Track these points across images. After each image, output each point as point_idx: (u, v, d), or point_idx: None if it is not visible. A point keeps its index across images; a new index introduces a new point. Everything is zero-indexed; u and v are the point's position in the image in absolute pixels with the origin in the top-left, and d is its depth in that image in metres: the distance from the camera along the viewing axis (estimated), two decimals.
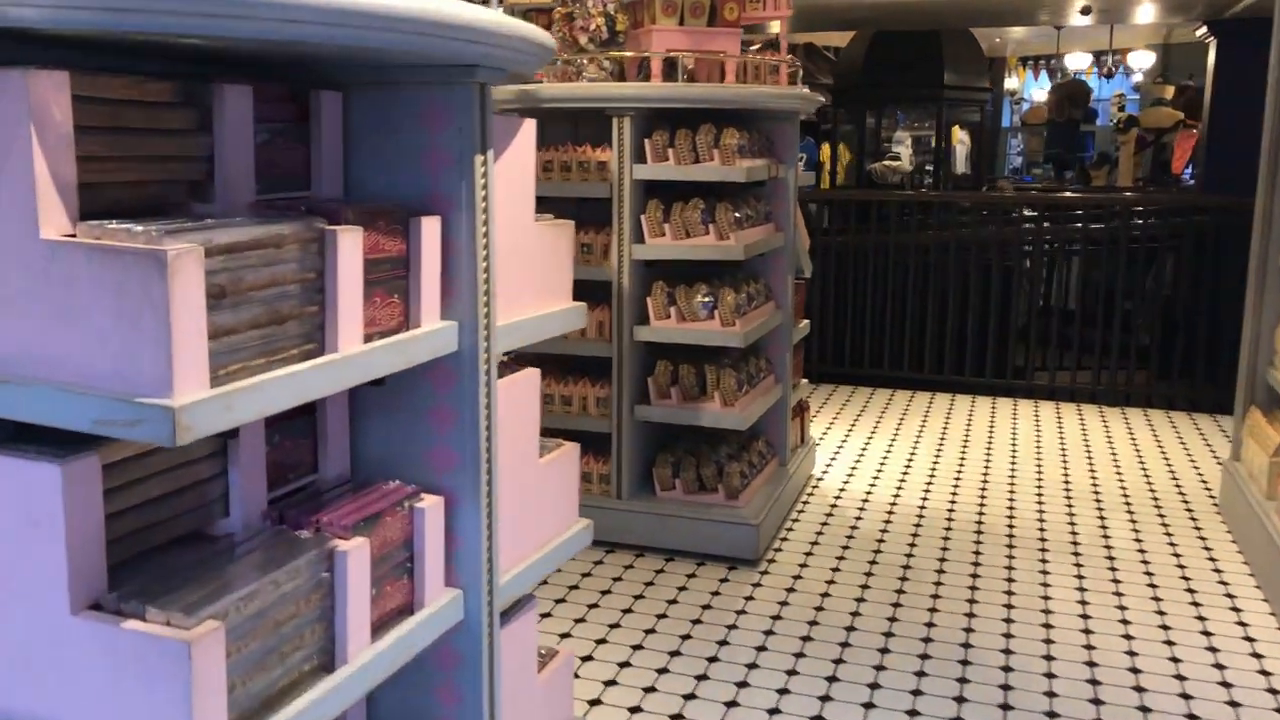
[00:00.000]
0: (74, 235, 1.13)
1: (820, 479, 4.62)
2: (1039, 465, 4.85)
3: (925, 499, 4.35)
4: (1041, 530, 4.00)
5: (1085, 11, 7.72)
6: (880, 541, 3.87)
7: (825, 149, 11.05)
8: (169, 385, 1.07)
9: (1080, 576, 3.56)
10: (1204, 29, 7.86)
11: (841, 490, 4.46)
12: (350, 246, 1.35)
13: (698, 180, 3.59)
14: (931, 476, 4.67)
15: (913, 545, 3.83)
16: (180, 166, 1.34)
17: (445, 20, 1.33)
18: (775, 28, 4.97)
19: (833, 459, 4.93)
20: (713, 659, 2.96)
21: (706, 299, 3.61)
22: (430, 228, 1.52)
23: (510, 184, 1.73)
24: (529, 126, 1.78)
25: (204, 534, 1.41)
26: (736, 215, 3.59)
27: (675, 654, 2.99)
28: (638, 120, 3.58)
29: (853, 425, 5.54)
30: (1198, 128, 12.19)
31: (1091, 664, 2.96)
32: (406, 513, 1.56)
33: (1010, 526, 4.04)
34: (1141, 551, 3.79)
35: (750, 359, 3.90)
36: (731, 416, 3.60)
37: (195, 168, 1.36)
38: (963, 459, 4.94)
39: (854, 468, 4.79)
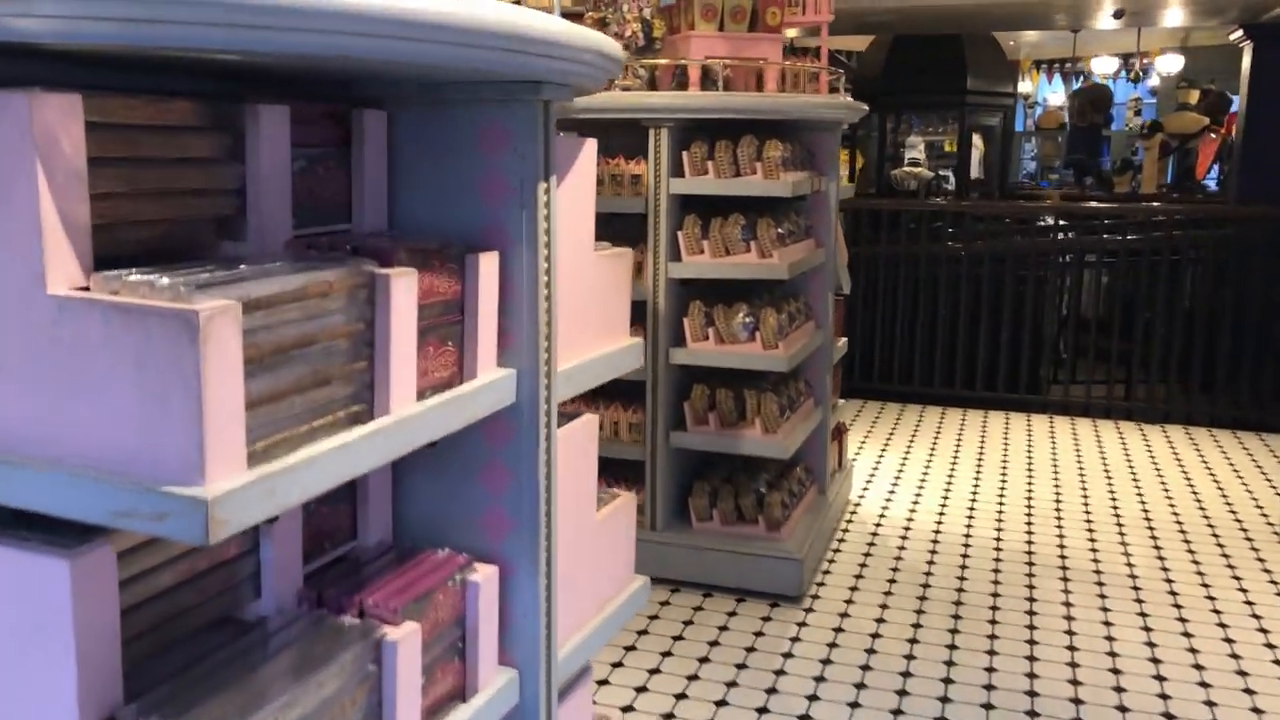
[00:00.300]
0: (87, 289, 0.95)
1: (858, 504, 4.44)
2: (1084, 489, 4.66)
3: (970, 526, 4.16)
4: (1096, 561, 3.81)
5: (1118, 15, 7.54)
6: (928, 574, 3.68)
7: (841, 153, 10.87)
8: (200, 471, 0.90)
9: (1144, 614, 3.36)
10: (1239, 32, 7.67)
11: (881, 516, 4.28)
12: (404, 292, 1.17)
13: (738, 195, 3.40)
14: (973, 500, 4.48)
15: (963, 578, 3.65)
16: (209, 201, 1.16)
17: (517, 32, 1.15)
18: (791, 34, 4.81)
19: (869, 482, 4.74)
20: (763, 710, 2.77)
21: (747, 320, 3.43)
22: (488, 266, 1.34)
23: (572, 211, 1.55)
24: (590, 147, 1.60)
25: (233, 619, 1.24)
26: (779, 231, 3.41)
27: (722, 703, 2.81)
28: (675, 131, 3.40)
29: (886, 444, 5.35)
30: (1219, 132, 12.02)
31: (1168, 715, 2.77)
32: (459, 587, 1.38)
33: (1062, 557, 3.85)
34: (1205, 585, 3.60)
35: (790, 382, 3.72)
36: (773, 445, 3.42)
37: (226, 202, 1.18)
38: (1004, 481, 4.75)
39: (892, 491, 4.60)
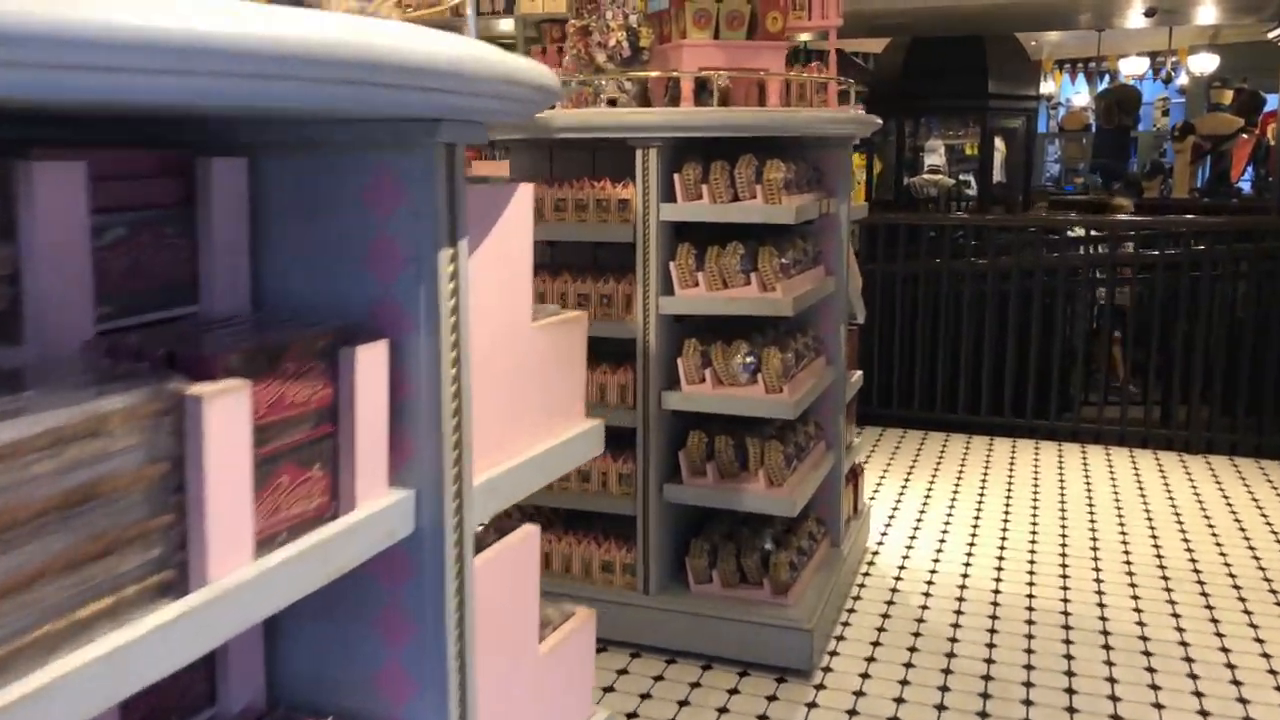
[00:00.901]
0: None
1: (876, 551, 4.11)
2: (1123, 533, 4.31)
3: (999, 580, 3.83)
4: (1140, 624, 3.47)
5: (1150, 14, 7.19)
6: (953, 640, 3.35)
7: (858, 158, 10.55)
8: None
9: (1199, 693, 3.03)
10: (1279, 30, 7.30)
11: (901, 568, 3.95)
12: (226, 417, 0.87)
13: (737, 221, 3.09)
14: (1002, 547, 4.14)
15: (992, 644, 3.31)
16: None
17: (386, 61, 0.84)
18: (804, 36, 4.49)
19: (888, 524, 4.41)
20: None
21: (748, 360, 3.12)
22: (371, 361, 1.04)
23: (498, 277, 1.25)
24: (524, 195, 1.29)
25: None
26: (783, 261, 3.10)
27: None
28: (665, 151, 3.10)
29: (906, 480, 5.02)
30: (1252, 133, 11.62)
31: None
32: None
33: (1103, 619, 3.51)
34: (1266, 656, 3.26)
35: (798, 425, 3.40)
36: (779, 500, 3.10)
37: None
38: (1035, 523, 4.41)
39: (913, 536, 4.27)
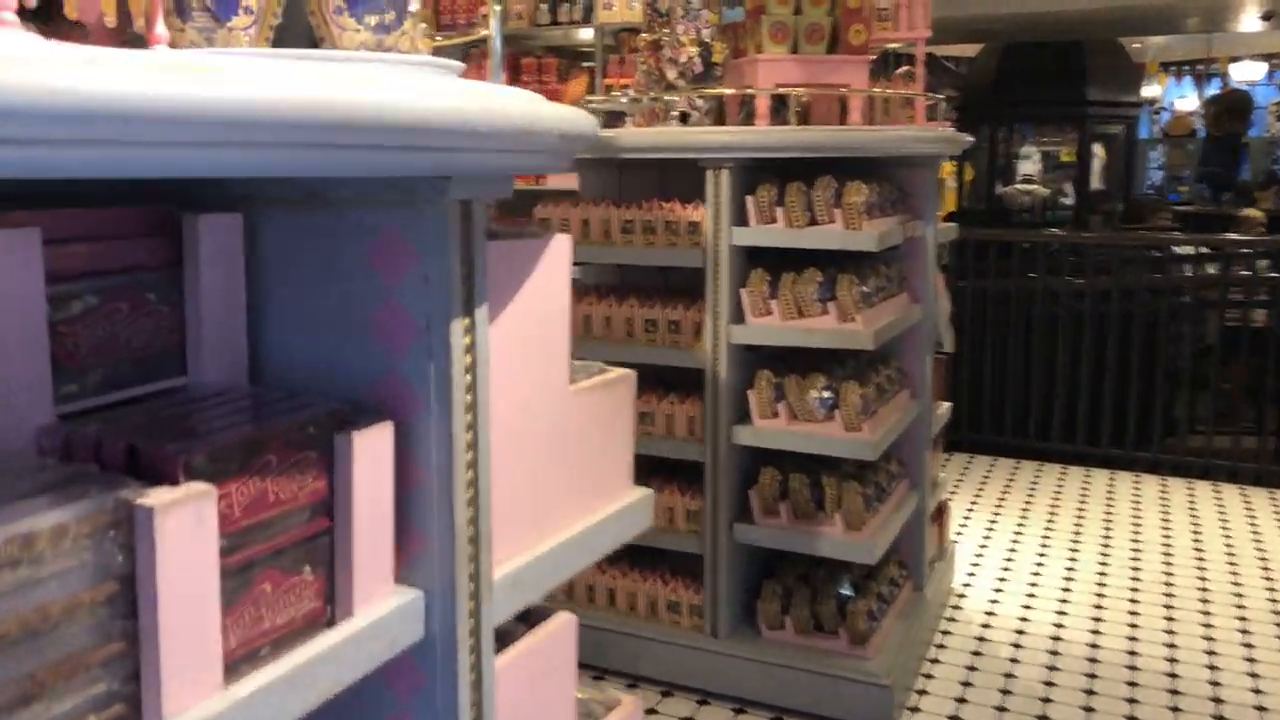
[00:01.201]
0: None
1: (962, 595, 3.89)
2: (1236, 584, 4.01)
3: (1097, 632, 3.58)
4: (1258, 693, 3.19)
5: (1267, 17, 6.80)
6: (1045, 700, 3.12)
7: (947, 165, 10.23)
8: None
9: None
10: None
11: (990, 615, 3.72)
12: (186, 529, 0.75)
13: (814, 248, 2.93)
14: (1100, 594, 3.88)
15: (1089, 708, 3.08)
16: None
17: (373, 121, 0.72)
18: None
19: (975, 564, 4.18)
20: None
21: (825, 394, 2.94)
22: (371, 447, 0.92)
23: (528, 340, 1.12)
24: (559, 249, 1.16)
25: None
26: (864, 289, 2.92)
27: None
28: (738, 172, 2.95)
29: (996, 514, 4.77)
30: None
31: None
32: None
33: (1214, 683, 3.24)
34: None
35: (879, 463, 3.21)
36: (858, 545, 2.92)
37: None
38: (1136, 568, 4.14)
39: (1002, 579, 4.04)
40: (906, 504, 3.29)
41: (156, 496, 0.74)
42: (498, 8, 1.01)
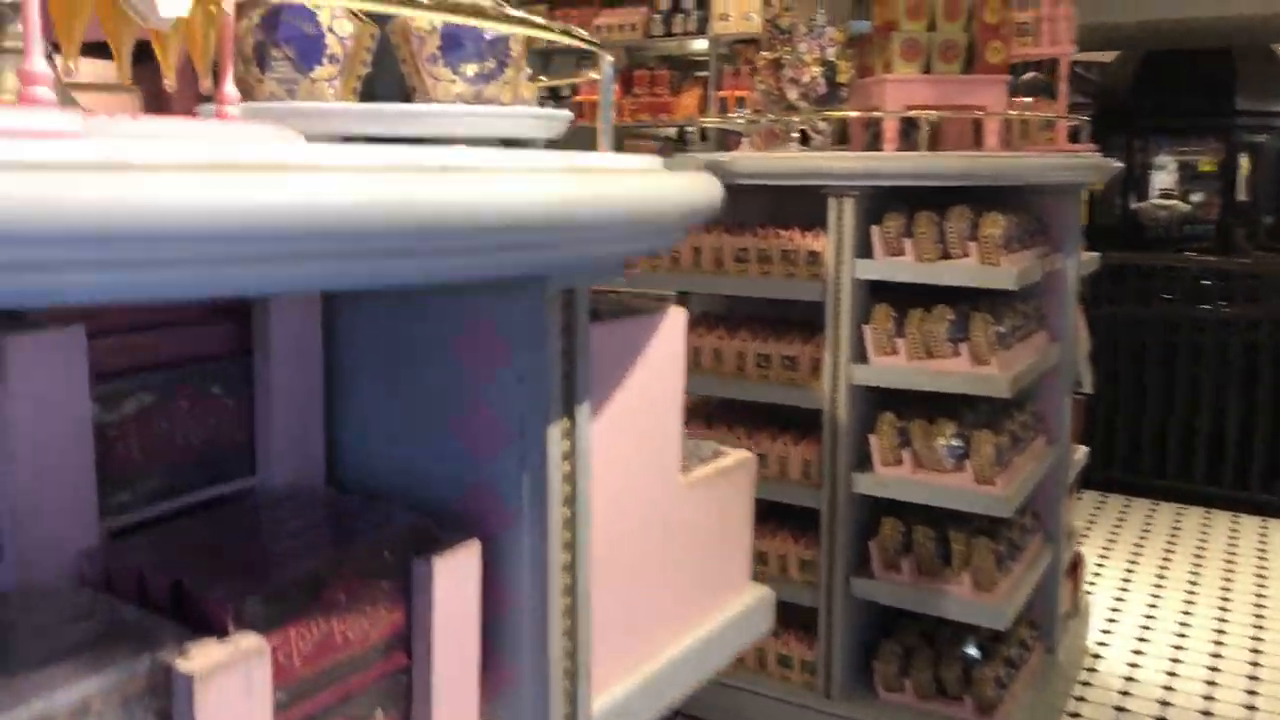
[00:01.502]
0: None
1: (1098, 655, 3.62)
2: None
3: (1253, 706, 3.28)
4: None
5: None
6: None
7: None
8: None
9: None
10: None
11: (1129, 680, 3.45)
12: (233, 694, 0.64)
13: (946, 284, 2.74)
14: (1256, 663, 3.57)
15: None
16: None
17: (482, 225, 0.60)
18: None
19: (1112, 619, 3.90)
20: None
21: (955, 442, 2.75)
22: (454, 573, 0.80)
23: (635, 432, 0.99)
24: (673, 324, 1.03)
25: None
26: (999, 329, 2.72)
27: None
28: (864, 201, 2.78)
29: (1134, 562, 4.46)
30: None
31: None
32: None
33: None
34: None
35: (1013, 517, 2.99)
36: (988, 608, 2.72)
37: None
38: None
39: (1143, 637, 3.75)
40: (1040, 560, 3.06)
41: (199, 658, 0.63)
42: (610, 59, 0.89)
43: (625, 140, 7.13)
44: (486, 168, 0.61)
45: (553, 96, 7.60)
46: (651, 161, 0.84)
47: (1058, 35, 3.15)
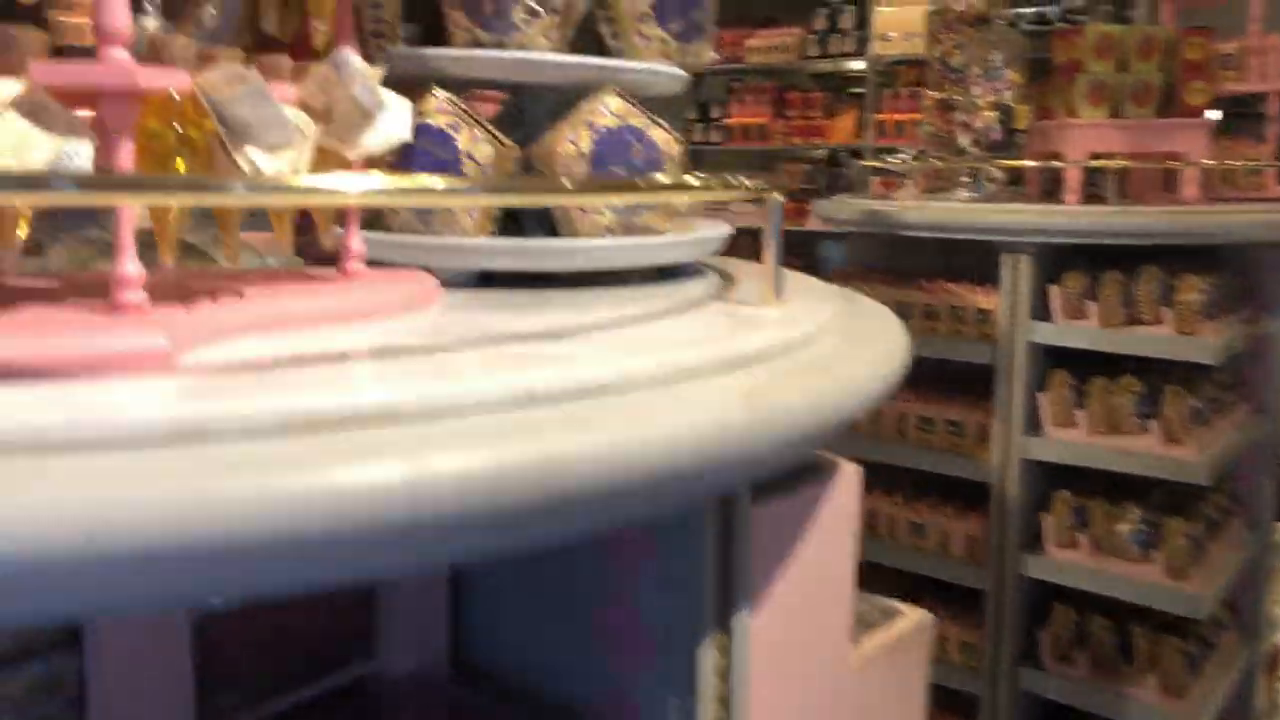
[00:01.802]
0: None
1: None
2: None
3: None
4: None
5: None
6: None
7: None
8: None
9: None
10: None
11: None
12: None
13: (1135, 354, 2.51)
14: None
15: None
16: None
17: (601, 491, 0.50)
18: None
19: None
20: None
21: (1140, 528, 2.51)
22: None
23: (798, 628, 0.87)
24: (846, 485, 0.91)
25: None
26: (1195, 404, 2.47)
27: None
28: (1041, 258, 2.57)
29: None
30: None
31: None
32: None
33: None
34: None
35: None
36: (1176, 717, 2.47)
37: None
38: None
39: None
40: (1233, 662, 2.78)
41: None
42: (779, 199, 0.80)
43: (777, 164, 6.99)
44: (637, 415, 0.50)
45: (703, 118, 7.54)
46: (831, 316, 0.72)
47: (1268, 69, 2.87)
